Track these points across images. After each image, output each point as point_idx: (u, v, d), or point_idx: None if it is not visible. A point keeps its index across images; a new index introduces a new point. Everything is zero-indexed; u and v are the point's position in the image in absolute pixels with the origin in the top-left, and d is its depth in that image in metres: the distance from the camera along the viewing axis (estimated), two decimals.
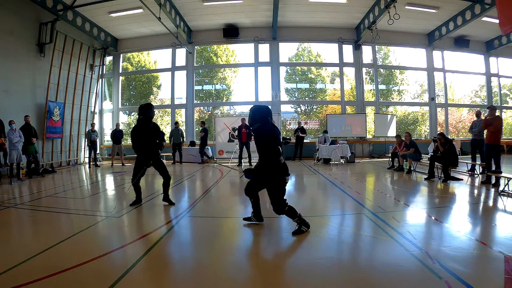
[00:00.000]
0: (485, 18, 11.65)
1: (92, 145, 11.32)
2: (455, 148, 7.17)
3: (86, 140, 12.02)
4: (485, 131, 6.62)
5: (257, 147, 3.43)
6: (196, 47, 14.69)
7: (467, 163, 8.02)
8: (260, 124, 3.42)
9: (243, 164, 10.85)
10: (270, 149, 3.30)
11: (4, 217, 4.52)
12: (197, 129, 15.55)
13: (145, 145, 4.70)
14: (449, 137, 9.12)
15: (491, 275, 2.41)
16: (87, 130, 12.00)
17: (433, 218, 4.02)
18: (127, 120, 16.79)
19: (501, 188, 5.41)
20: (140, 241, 3.27)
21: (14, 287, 2.23)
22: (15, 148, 7.56)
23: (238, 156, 10.91)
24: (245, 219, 3.92)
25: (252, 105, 3.65)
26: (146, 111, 4.67)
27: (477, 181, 6.94)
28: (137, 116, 4.87)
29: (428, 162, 7.36)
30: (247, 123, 10.86)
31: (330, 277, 2.46)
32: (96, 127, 12.24)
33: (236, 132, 11.08)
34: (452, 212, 4.45)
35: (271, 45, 14.10)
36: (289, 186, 6.81)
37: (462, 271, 2.41)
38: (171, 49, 14.25)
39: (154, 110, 4.89)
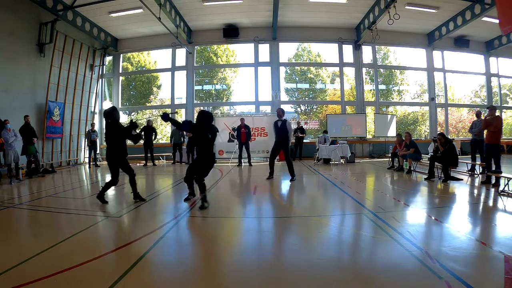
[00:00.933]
0: (485, 18, 11.65)
1: (92, 145, 11.32)
2: (455, 148, 7.16)
3: (86, 140, 12.02)
4: (485, 131, 6.62)
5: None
6: (196, 47, 14.69)
7: (467, 163, 8.02)
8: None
9: (243, 164, 10.85)
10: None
11: (4, 217, 4.52)
12: None
13: (117, 145, 4.89)
14: (449, 137, 9.12)
15: (491, 275, 2.41)
16: (87, 130, 12.00)
17: (433, 218, 4.02)
18: (127, 120, 16.80)
19: (501, 188, 5.41)
20: (140, 241, 3.27)
21: (14, 287, 2.24)
22: (12, 148, 7.55)
23: (238, 156, 10.89)
24: (185, 200, 5.00)
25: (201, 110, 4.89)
26: (112, 114, 4.90)
27: (477, 181, 6.93)
28: (106, 121, 5.04)
29: (428, 162, 7.36)
30: (246, 124, 10.87)
31: (330, 277, 2.46)
32: (96, 127, 12.25)
33: (236, 132, 11.06)
34: (452, 212, 4.45)
35: (271, 45, 14.10)
36: (289, 186, 6.86)
37: (462, 271, 2.41)
38: (171, 49, 14.24)
39: (119, 112, 5.11)
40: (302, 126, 12.73)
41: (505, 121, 15.87)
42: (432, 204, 5.01)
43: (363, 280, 2.38)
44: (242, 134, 10.59)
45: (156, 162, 11.86)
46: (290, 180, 7.12)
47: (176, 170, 9.96)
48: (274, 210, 4.85)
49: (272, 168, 7.47)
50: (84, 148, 12.61)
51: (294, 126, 13.22)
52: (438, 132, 8.90)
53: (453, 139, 11.27)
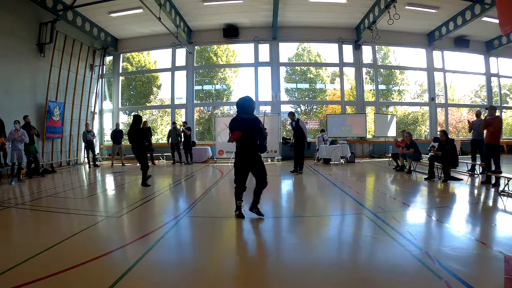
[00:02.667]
0: (485, 18, 11.64)
1: (88, 145, 11.30)
2: (456, 148, 7.16)
3: (84, 143, 11.96)
4: (484, 131, 6.61)
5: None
6: (196, 47, 14.68)
7: (467, 163, 8.02)
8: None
9: None
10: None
11: (4, 217, 4.51)
12: (197, 129, 15.57)
13: (137, 143, 6.58)
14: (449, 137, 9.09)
15: (491, 275, 2.41)
16: (82, 131, 11.97)
17: (433, 218, 4.02)
18: (127, 120, 16.77)
19: (501, 188, 5.41)
20: (140, 241, 3.27)
21: (14, 287, 2.23)
22: (16, 148, 7.51)
23: None
24: (258, 214, 4.07)
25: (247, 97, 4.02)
26: (137, 121, 6.64)
27: (477, 181, 6.94)
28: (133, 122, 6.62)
29: (428, 162, 7.36)
30: None
31: (330, 277, 2.46)
32: (95, 127, 12.21)
33: None
34: (452, 212, 4.45)
35: (271, 45, 14.10)
36: (289, 186, 6.84)
37: (462, 271, 2.41)
38: (171, 49, 14.24)
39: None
40: None
41: (505, 121, 15.86)
42: (432, 204, 5.01)
43: (363, 280, 2.38)
44: None
45: (156, 162, 11.86)
46: (291, 172, 8.29)
47: (176, 170, 9.96)
48: (274, 210, 4.85)
49: (300, 163, 8.36)
50: (84, 148, 12.60)
51: None
52: (439, 130, 8.88)
53: (453, 139, 11.25)
